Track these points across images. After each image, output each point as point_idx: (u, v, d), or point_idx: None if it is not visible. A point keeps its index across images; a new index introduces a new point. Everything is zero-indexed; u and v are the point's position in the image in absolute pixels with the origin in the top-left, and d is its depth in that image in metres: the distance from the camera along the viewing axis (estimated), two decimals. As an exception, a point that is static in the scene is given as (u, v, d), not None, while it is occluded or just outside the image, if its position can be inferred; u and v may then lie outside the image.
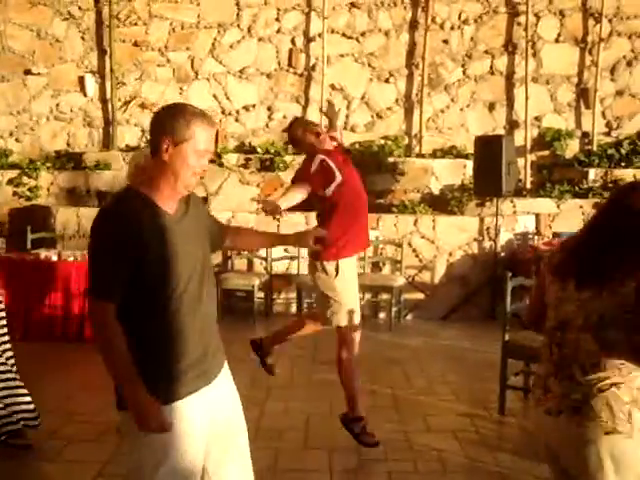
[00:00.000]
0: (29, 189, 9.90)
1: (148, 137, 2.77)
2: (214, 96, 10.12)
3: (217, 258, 9.10)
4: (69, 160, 10.13)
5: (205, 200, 9.51)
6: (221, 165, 9.66)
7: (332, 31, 9.85)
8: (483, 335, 7.78)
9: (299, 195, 4.72)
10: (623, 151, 9.41)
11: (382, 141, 9.77)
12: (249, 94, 10.08)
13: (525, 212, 9.08)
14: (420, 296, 9.09)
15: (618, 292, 2.58)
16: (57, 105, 10.35)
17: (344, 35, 9.91)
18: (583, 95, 9.69)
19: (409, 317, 9.10)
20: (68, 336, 7.38)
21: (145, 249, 2.55)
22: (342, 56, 9.92)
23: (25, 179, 9.93)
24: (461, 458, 4.77)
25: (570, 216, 8.75)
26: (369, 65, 9.92)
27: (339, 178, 4.71)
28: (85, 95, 10.30)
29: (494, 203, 8.78)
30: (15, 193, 9.92)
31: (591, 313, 2.65)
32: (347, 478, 4.53)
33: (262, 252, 9.15)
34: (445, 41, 9.80)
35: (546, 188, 9.34)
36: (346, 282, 4.82)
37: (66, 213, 9.35)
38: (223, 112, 10.13)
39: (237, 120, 10.13)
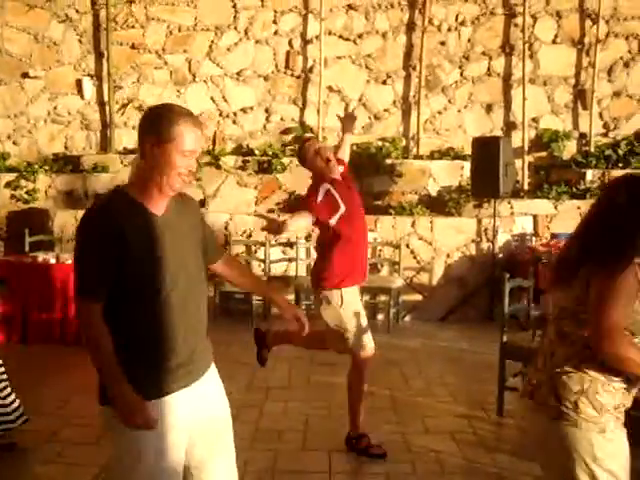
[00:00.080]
0: (27, 192, 9.91)
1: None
2: (211, 98, 10.13)
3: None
4: (67, 163, 10.14)
5: (203, 202, 9.52)
6: (219, 167, 9.68)
7: (329, 33, 9.86)
8: (481, 336, 7.78)
9: (303, 222, 4.71)
10: (620, 152, 9.42)
11: (380, 143, 9.78)
12: (246, 96, 10.09)
13: (523, 213, 9.09)
14: (418, 297, 9.10)
15: (576, 285, 2.66)
16: (55, 108, 10.35)
17: (341, 37, 9.92)
18: (580, 96, 9.70)
19: (407, 318, 9.10)
20: (66, 339, 7.38)
21: (128, 248, 2.57)
22: (339, 58, 9.93)
23: (23, 182, 9.93)
24: (459, 459, 4.78)
25: (568, 217, 8.75)
26: (366, 67, 9.93)
27: (343, 209, 4.69)
28: (82, 98, 10.30)
29: (492, 204, 8.79)
30: (13, 196, 9.93)
31: (556, 305, 2.77)
32: (346, 479, 4.53)
33: (260, 254, 9.16)
34: (442, 43, 9.82)
35: (544, 189, 9.35)
36: (352, 309, 4.82)
37: (64, 216, 9.36)
38: (221, 114, 10.14)
39: (235, 122, 10.13)
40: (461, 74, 9.83)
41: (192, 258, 2.77)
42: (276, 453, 4.82)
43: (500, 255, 8.84)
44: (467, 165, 9.11)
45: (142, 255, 2.60)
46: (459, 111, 9.85)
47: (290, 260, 9.02)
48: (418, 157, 9.72)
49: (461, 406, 5.82)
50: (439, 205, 9.34)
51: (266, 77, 10.05)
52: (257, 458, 4.72)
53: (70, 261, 7.70)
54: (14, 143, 10.41)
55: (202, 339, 2.84)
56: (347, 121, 5.87)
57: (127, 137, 10.23)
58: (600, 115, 9.68)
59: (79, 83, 10.26)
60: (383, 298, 8.89)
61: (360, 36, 9.90)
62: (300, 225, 4.76)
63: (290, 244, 9.02)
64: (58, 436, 4.96)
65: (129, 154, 9.95)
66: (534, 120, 9.73)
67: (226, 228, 9.30)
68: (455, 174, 9.46)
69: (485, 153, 8.34)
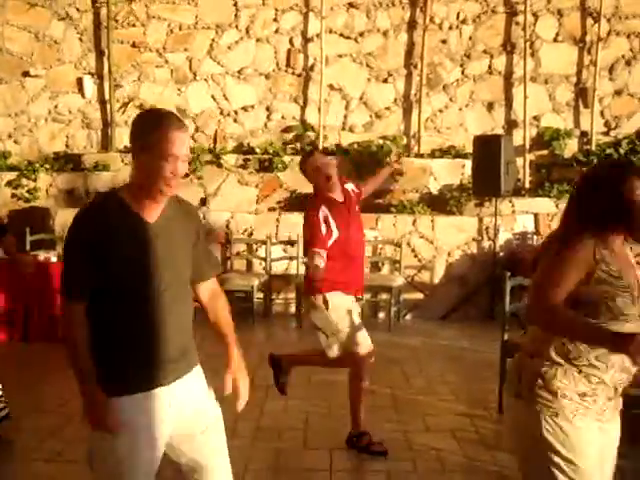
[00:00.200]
0: (28, 191, 9.90)
1: None
2: (212, 97, 10.12)
3: (216, 259, 9.09)
4: (68, 161, 10.13)
5: (204, 201, 9.52)
6: (220, 166, 9.67)
7: (330, 31, 9.85)
8: (482, 335, 7.78)
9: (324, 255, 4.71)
10: (622, 150, 9.40)
11: (381, 141, 9.76)
12: (247, 95, 10.08)
13: (524, 212, 9.09)
14: (419, 296, 9.10)
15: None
16: (55, 107, 10.34)
17: (342, 35, 9.91)
18: (582, 94, 9.69)
19: (408, 317, 9.11)
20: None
21: (113, 251, 2.62)
22: (340, 56, 9.92)
23: (24, 181, 9.92)
24: (460, 457, 4.78)
25: (569, 215, 8.73)
26: (367, 65, 9.91)
27: (336, 234, 4.75)
28: (83, 96, 10.29)
29: (493, 203, 8.78)
30: (14, 195, 9.92)
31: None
32: (347, 477, 4.53)
33: (261, 252, 9.16)
34: (443, 41, 9.80)
35: (545, 188, 9.34)
36: (339, 310, 4.82)
37: (65, 214, 9.34)
38: (221, 113, 10.13)
39: (235, 121, 10.12)
40: (462, 72, 9.82)
41: (181, 265, 2.79)
42: (277, 451, 4.82)
43: (501, 254, 8.83)
44: (468, 163, 9.10)
45: (127, 259, 2.64)
46: (460, 109, 9.84)
47: (291, 258, 9.03)
48: (419, 155, 9.71)
49: (462, 404, 5.83)
50: (440, 203, 9.33)
51: (267, 75, 10.04)
52: (258, 456, 4.73)
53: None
54: (15, 142, 10.40)
55: (187, 340, 2.86)
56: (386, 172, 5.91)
57: (128, 136, 10.17)
58: (601, 113, 9.67)
59: (80, 82, 10.25)
60: (384, 296, 8.89)
61: (361, 34, 9.89)
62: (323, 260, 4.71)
63: (291, 242, 9.02)
64: (59, 434, 4.96)
65: (130, 153, 9.91)
66: (535, 118, 9.71)
67: (227, 227, 9.30)
68: (456, 172, 9.45)
69: (486, 151, 8.33)
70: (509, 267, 7.43)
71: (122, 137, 10.17)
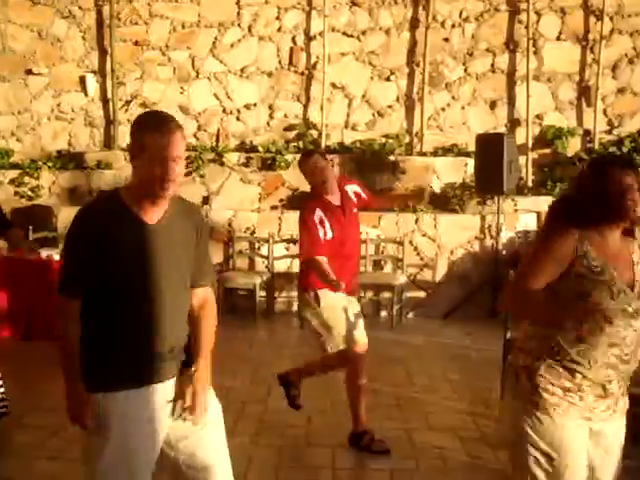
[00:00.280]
0: (31, 189, 9.91)
1: None
2: (215, 95, 10.12)
3: (218, 257, 9.11)
4: (70, 160, 10.13)
5: (206, 199, 9.52)
6: (222, 164, 9.67)
7: (333, 29, 9.84)
8: (484, 333, 7.78)
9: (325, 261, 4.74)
10: (625, 149, 9.39)
11: (383, 139, 9.76)
12: (250, 93, 10.08)
13: (526, 210, 9.08)
14: (421, 294, 9.10)
15: None
16: (58, 105, 10.35)
17: (345, 34, 9.90)
18: (584, 93, 9.68)
19: (410, 315, 9.10)
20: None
21: (110, 251, 2.64)
22: (343, 54, 9.92)
23: (27, 179, 9.93)
24: (462, 456, 4.78)
25: (571, 214, 8.72)
26: (370, 63, 9.91)
27: (330, 235, 4.79)
28: (86, 95, 10.30)
29: (495, 201, 8.78)
30: (17, 193, 9.93)
31: None
32: (349, 475, 4.54)
33: (264, 251, 9.17)
34: (446, 39, 9.79)
35: (547, 186, 9.34)
36: (332, 307, 4.84)
37: (68, 213, 9.34)
38: (224, 111, 10.13)
39: (238, 119, 10.12)
40: (465, 70, 9.81)
41: (182, 266, 2.80)
42: (279, 449, 4.83)
43: (504, 252, 8.83)
44: (471, 162, 9.08)
45: (126, 259, 2.67)
46: (463, 108, 9.83)
47: (293, 257, 9.02)
48: (422, 154, 9.70)
49: (464, 403, 5.83)
50: (443, 202, 9.33)
51: (269, 74, 10.04)
52: (261, 453, 4.73)
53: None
54: (18, 140, 10.41)
55: (182, 340, 2.85)
56: None
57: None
58: (604, 112, 9.65)
59: (83, 80, 10.25)
60: (386, 295, 8.89)
61: (364, 33, 9.88)
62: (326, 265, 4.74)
63: (294, 241, 9.01)
64: (62, 432, 4.96)
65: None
66: (538, 117, 9.71)
67: (230, 225, 9.30)
68: (459, 171, 9.44)
69: (489, 150, 8.32)
70: (511, 265, 7.43)
71: (125, 135, 10.16)
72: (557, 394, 2.69)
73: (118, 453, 2.68)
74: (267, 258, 9.10)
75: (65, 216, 9.29)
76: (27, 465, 4.51)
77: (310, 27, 9.94)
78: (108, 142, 10.29)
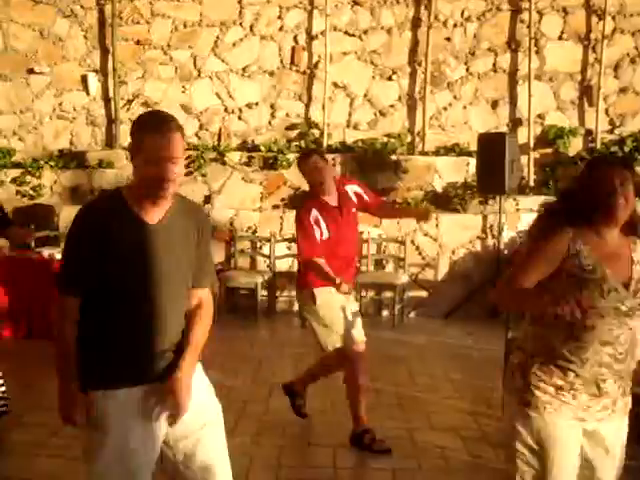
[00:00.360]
0: (32, 188, 9.91)
1: None
2: (217, 94, 10.12)
3: (220, 256, 9.11)
4: (72, 159, 10.13)
5: (208, 198, 9.52)
6: (224, 163, 9.67)
7: (335, 29, 9.84)
8: (486, 333, 7.77)
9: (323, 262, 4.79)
10: (626, 148, 9.37)
11: (385, 139, 9.75)
12: (252, 92, 10.07)
13: (528, 210, 9.06)
14: (423, 294, 9.10)
15: None
16: (60, 104, 10.35)
17: (347, 33, 9.89)
18: (586, 93, 9.66)
19: (412, 315, 9.10)
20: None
21: (109, 250, 2.65)
22: (345, 54, 9.91)
23: (28, 178, 9.94)
24: (464, 455, 4.78)
25: (573, 214, 8.71)
26: (372, 63, 9.90)
27: (325, 235, 4.83)
28: (88, 94, 10.30)
29: (497, 201, 8.76)
30: (18, 192, 9.93)
31: None
32: (351, 475, 4.53)
33: (265, 250, 9.17)
34: (448, 39, 9.78)
35: (549, 186, 9.33)
36: (329, 306, 4.86)
37: (69, 212, 9.34)
38: (226, 110, 10.12)
39: (240, 118, 10.12)
40: (467, 70, 9.80)
41: (183, 266, 2.79)
42: (280, 448, 4.82)
43: (505, 252, 8.81)
44: (472, 161, 9.07)
45: (125, 259, 2.67)
46: (464, 107, 9.82)
47: (295, 256, 9.00)
48: (423, 153, 9.70)
49: (466, 402, 5.82)
50: (444, 201, 9.32)
51: (271, 73, 10.04)
52: (262, 453, 4.73)
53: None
54: (20, 139, 10.42)
55: (178, 341, 2.82)
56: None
57: (132, 133, 10.21)
58: (606, 111, 9.64)
59: (84, 79, 10.26)
60: (388, 294, 8.90)
61: (365, 32, 9.87)
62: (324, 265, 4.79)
63: (295, 240, 9.00)
64: (63, 431, 4.95)
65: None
66: (540, 116, 9.70)
67: (231, 224, 9.30)
68: (460, 170, 9.44)
69: (491, 149, 8.28)
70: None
71: (126, 134, 9.99)
72: (549, 392, 2.70)
73: (117, 452, 2.68)
74: (269, 257, 9.10)
75: (67, 215, 9.29)
76: (28, 463, 4.51)
77: (312, 26, 9.93)
78: (110, 141, 10.29)
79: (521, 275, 2.66)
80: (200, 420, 2.83)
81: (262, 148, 9.78)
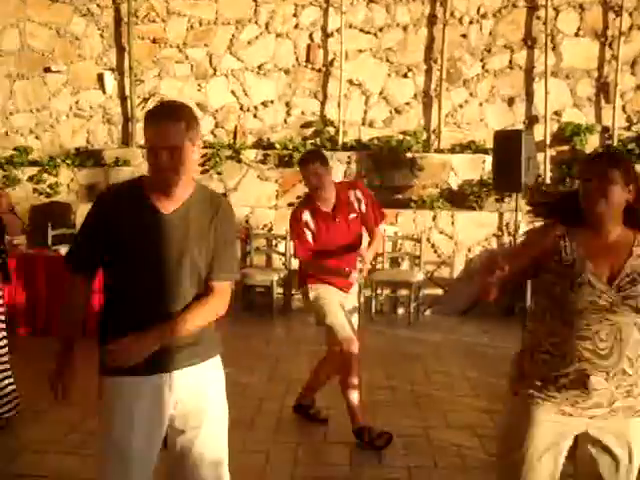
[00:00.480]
0: (49, 186, 9.97)
1: None
2: (232, 92, 10.14)
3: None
4: (89, 157, 10.19)
5: (224, 196, 9.53)
6: (239, 161, 9.69)
7: (350, 26, 9.83)
8: (501, 331, 7.75)
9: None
10: (643, 145, 9.34)
11: (400, 136, 9.74)
12: (267, 90, 10.09)
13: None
14: (439, 292, 9.08)
15: None
16: (76, 102, 10.41)
17: (362, 30, 9.89)
18: (603, 89, 9.61)
19: (428, 312, 9.09)
20: (88, 331, 7.43)
21: (117, 236, 2.70)
22: (360, 51, 9.91)
23: (45, 176, 10.00)
24: (480, 454, 4.76)
25: (590, 211, 8.67)
26: (387, 60, 9.89)
27: (315, 238, 4.89)
28: (104, 92, 10.35)
29: (513, 198, 8.74)
30: (35, 190, 10.00)
31: None
32: (367, 472, 4.53)
33: (281, 247, 9.18)
34: (464, 35, 9.76)
35: (566, 183, 9.29)
36: (323, 301, 4.92)
37: (86, 210, 9.29)
38: (241, 108, 10.14)
39: (255, 116, 10.13)
40: (483, 67, 9.77)
41: (195, 258, 2.75)
42: (297, 445, 4.82)
43: (522, 249, 8.77)
44: (488, 159, 9.05)
45: (135, 247, 2.70)
46: (480, 104, 9.80)
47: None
48: (439, 151, 9.68)
49: (482, 400, 5.80)
50: (460, 199, 9.30)
51: (287, 71, 10.05)
52: (278, 450, 4.73)
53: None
54: (37, 137, 10.48)
55: (197, 332, 2.79)
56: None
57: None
58: (623, 108, 9.59)
59: (101, 77, 10.31)
60: (404, 292, 8.89)
61: (381, 29, 9.87)
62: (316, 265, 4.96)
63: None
64: (80, 427, 4.99)
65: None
66: (556, 113, 9.65)
67: (247, 222, 9.31)
68: (476, 168, 9.41)
69: (507, 147, 8.27)
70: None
71: (142, 133, 10.17)
72: (535, 385, 2.70)
73: (119, 439, 2.72)
74: (284, 255, 9.11)
75: (83, 213, 9.25)
76: (42, 460, 4.53)
77: (327, 24, 9.93)
78: (126, 139, 10.33)
79: (506, 256, 2.65)
80: (201, 416, 2.81)
81: (277, 146, 9.80)
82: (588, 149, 9.49)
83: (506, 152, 8.27)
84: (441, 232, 9.08)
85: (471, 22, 9.75)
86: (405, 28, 9.84)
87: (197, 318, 2.74)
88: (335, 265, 4.88)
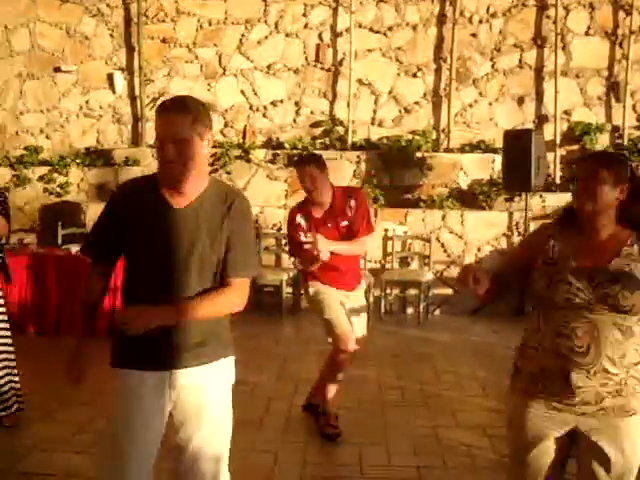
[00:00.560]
0: (59, 185, 10.00)
1: None
2: (242, 92, 10.15)
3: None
4: (98, 157, 10.21)
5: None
6: (249, 161, 9.69)
7: (359, 26, 9.83)
8: (511, 331, 7.69)
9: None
10: (654, 145, 9.30)
11: (410, 136, 9.73)
12: (277, 90, 10.09)
13: (554, 207, 9.01)
14: (448, 291, 9.06)
15: None
16: (86, 102, 10.43)
17: (371, 30, 9.88)
18: (613, 88, 9.58)
19: (437, 312, 9.07)
20: (98, 331, 7.44)
21: (128, 228, 2.74)
22: (370, 51, 9.90)
23: (55, 175, 10.03)
24: (490, 454, 4.75)
25: (600, 211, 8.65)
26: (397, 60, 9.88)
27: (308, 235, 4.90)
28: (114, 92, 10.37)
29: (523, 198, 8.73)
30: (46, 189, 10.03)
31: None
32: (376, 472, 4.52)
33: (290, 247, 9.18)
34: (473, 35, 9.74)
35: (575, 183, 9.23)
36: (320, 299, 4.98)
37: (96, 209, 9.42)
38: (251, 108, 10.15)
39: (265, 116, 10.14)
40: (492, 66, 9.75)
41: (204, 255, 2.72)
42: (306, 445, 4.82)
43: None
44: (498, 158, 9.04)
45: (139, 239, 2.73)
46: (490, 104, 9.77)
47: (320, 253, 9.02)
48: (449, 150, 9.66)
49: (492, 400, 5.79)
50: (470, 198, 9.28)
51: (296, 70, 10.05)
52: (287, 450, 4.73)
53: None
54: (47, 137, 10.52)
55: (204, 332, 2.78)
56: None
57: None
58: (633, 108, 9.55)
59: (110, 77, 10.33)
60: (413, 292, 8.87)
61: (390, 29, 9.86)
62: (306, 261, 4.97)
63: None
64: (90, 427, 5.00)
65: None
66: (566, 113, 9.62)
67: (256, 221, 9.32)
68: (486, 167, 9.39)
69: (517, 146, 8.27)
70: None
71: (152, 132, 10.14)
72: (525, 378, 2.77)
73: (116, 430, 2.78)
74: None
75: (93, 212, 9.36)
76: (51, 459, 4.54)
77: (337, 23, 9.93)
78: (136, 139, 10.36)
79: (507, 255, 2.75)
80: (200, 415, 2.80)
81: (287, 146, 9.80)
82: (598, 148, 9.45)
83: (516, 152, 8.27)
84: (450, 232, 9.07)
85: (481, 21, 9.73)
86: (415, 27, 9.82)
87: (209, 306, 2.73)
88: (332, 277, 4.93)
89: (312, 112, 10.05)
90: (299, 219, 4.93)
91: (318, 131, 10.00)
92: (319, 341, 5.68)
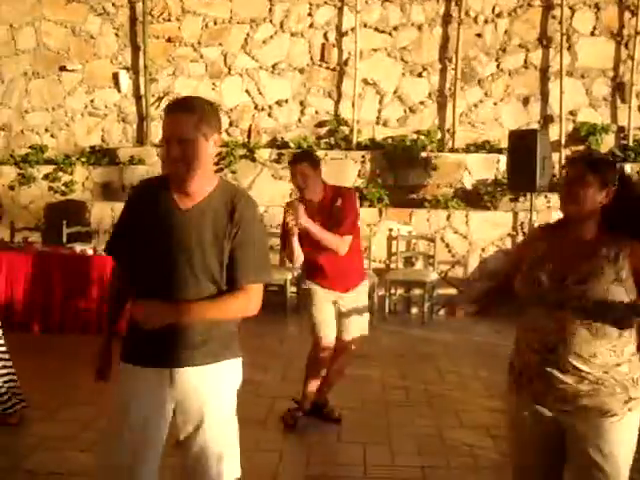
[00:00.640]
0: (64, 184, 10.02)
1: None
2: (247, 91, 10.15)
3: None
4: (104, 155, 10.23)
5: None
6: (254, 160, 9.70)
7: (365, 25, 9.83)
8: (514, 331, 7.71)
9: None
10: (659, 145, 9.29)
11: (415, 136, 9.73)
12: (282, 89, 10.09)
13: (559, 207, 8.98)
14: (453, 291, 9.06)
15: None
16: (92, 101, 10.45)
17: (377, 29, 9.88)
18: (619, 89, 9.57)
19: (442, 312, 9.07)
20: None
21: (137, 225, 2.77)
22: (375, 50, 9.90)
23: (60, 174, 10.05)
24: (493, 454, 4.74)
25: (605, 211, 8.64)
26: (402, 59, 9.88)
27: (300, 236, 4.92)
28: (119, 91, 10.39)
29: (528, 198, 8.72)
30: (51, 188, 10.05)
31: None
32: (380, 472, 4.52)
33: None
34: (479, 35, 9.74)
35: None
36: (309, 297, 5.09)
37: (101, 208, 9.45)
38: (256, 107, 10.16)
39: (270, 115, 10.14)
40: (497, 66, 9.75)
41: (207, 258, 2.70)
42: (310, 444, 4.83)
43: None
44: (503, 158, 9.03)
45: (145, 239, 2.74)
46: (495, 104, 9.77)
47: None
48: (454, 150, 9.66)
49: (496, 400, 5.77)
50: (474, 198, 9.28)
51: (301, 70, 10.05)
52: (291, 449, 4.74)
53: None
54: (52, 136, 10.53)
55: (205, 333, 2.76)
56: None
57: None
58: (639, 108, 9.54)
59: (116, 76, 10.35)
60: (417, 292, 8.87)
61: (395, 28, 9.85)
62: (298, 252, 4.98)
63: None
64: (94, 425, 5.00)
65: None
66: (571, 113, 9.61)
67: (261, 221, 9.30)
68: (491, 167, 9.38)
69: (522, 146, 8.26)
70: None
71: (157, 131, 10.23)
72: (514, 374, 2.83)
73: (114, 425, 2.82)
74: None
75: (98, 211, 9.39)
76: (56, 457, 4.54)
77: (342, 23, 9.93)
78: (141, 138, 10.37)
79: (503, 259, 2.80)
80: (201, 415, 2.79)
81: (292, 145, 9.80)
82: (603, 149, 9.44)
83: (521, 152, 8.25)
84: (455, 232, 9.06)
85: (486, 21, 9.72)
86: (420, 27, 9.82)
87: (221, 309, 2.74)
88: (327, 276, 4.99)
89: (317, 112, 10.05)
90: (289, 217, 4.92)
91: (323, 131, 10.01)
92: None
